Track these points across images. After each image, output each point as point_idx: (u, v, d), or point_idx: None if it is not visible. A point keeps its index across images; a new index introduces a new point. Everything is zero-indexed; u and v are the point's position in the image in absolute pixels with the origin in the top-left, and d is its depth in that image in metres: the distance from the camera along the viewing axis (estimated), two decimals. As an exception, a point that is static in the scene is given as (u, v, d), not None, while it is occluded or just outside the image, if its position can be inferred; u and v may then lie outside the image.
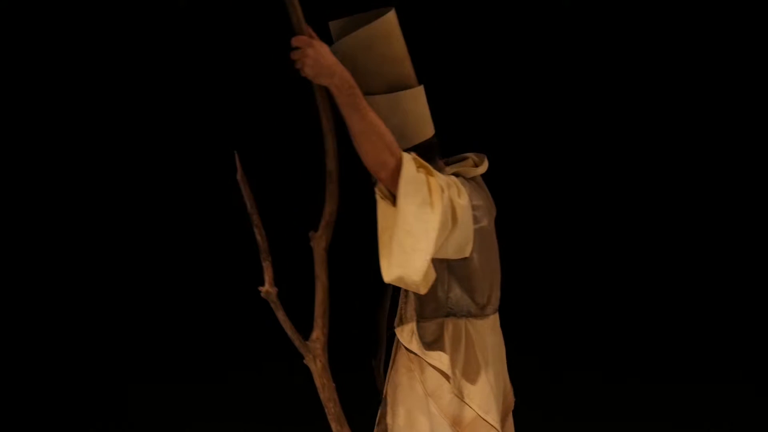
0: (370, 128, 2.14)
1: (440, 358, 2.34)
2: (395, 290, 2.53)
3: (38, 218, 6.20)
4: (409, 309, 2.45)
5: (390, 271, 2.14)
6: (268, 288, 2.23)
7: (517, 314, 3.49)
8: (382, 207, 2.22)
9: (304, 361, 2.28)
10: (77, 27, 5.86)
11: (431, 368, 2.35)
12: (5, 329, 5.81)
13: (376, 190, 2.25)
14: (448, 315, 2.37)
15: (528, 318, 5.81)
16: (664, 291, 6.45)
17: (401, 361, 2.45)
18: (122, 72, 6.03)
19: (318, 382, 2.26)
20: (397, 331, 2.47)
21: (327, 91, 2.19)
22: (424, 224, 2.13)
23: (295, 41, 2.14)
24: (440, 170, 2.37)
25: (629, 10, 6.11)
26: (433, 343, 2.36)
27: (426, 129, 2.40)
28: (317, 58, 2.12)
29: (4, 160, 6.02)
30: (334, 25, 2.43)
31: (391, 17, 2.30)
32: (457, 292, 2.37)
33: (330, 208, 2.23)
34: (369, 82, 2.30)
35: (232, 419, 4.93)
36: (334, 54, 2.29)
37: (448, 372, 2.32)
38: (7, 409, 5.01)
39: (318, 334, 2.26)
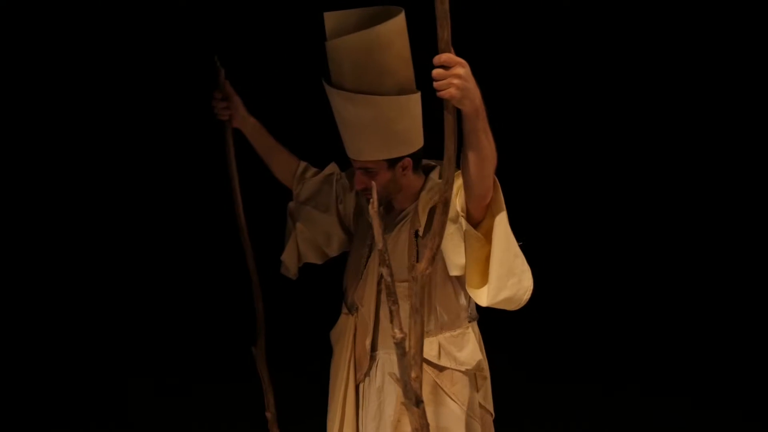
0: (493, 153, 2.13)
1: (480, 365, 2.47)
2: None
3: (44, 222, 6.19)
4: (426, 324, 2.42)
5: (497, 295, 2.19)
6: (398, 334, 1.99)
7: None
8: (472, 236, 2.20)
9: (402, 403, 2.11)
10: (77, 27, 5.72)
11: (463, 379, 2.44)
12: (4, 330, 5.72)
13: (464, 221, 2.21)
14: (470, 321, 2.50)
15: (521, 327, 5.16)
16: (660, 300, 6.21)
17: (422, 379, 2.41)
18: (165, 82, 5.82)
19: (416, 423, 2.11)
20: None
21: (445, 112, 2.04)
22: (516, 243, 2.23)
23: (445, 59, 1.95)
24: (428, 178, 2.49)
25: (629, 10, 5.67)
26: (467, 352, 2.44)
27: (422, 135, 2.42)
28: (467, 80, 1.98)
29: (4, 160, 5.95)
30: (329, 17, 2.30)
31: (403, 15, 2.25)
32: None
33: (439, 241, 2.09)
34: (383, 82, 2.24)
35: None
36: (345, 47, 2.21)
37: (488, 375, 2.44)
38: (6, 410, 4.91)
39: (417, 372, 2.11)
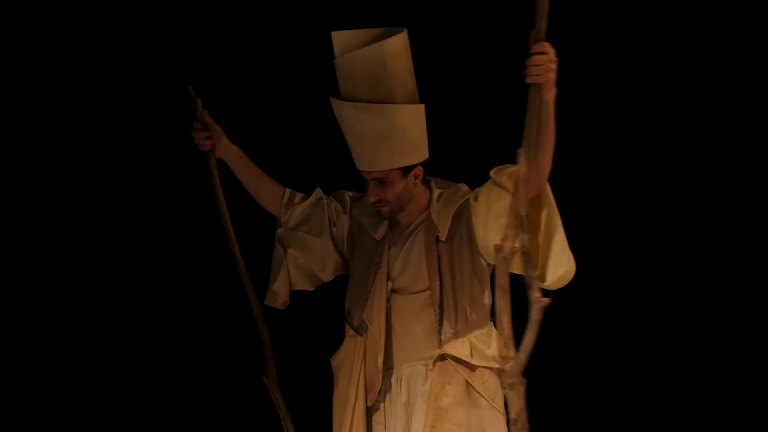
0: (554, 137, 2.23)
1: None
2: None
3: (55, 222, 6.00)
4: (452, 325, 2.48)
5: (555, 272, 2.32)
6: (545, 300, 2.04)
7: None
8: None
9: (508, 383, 2.10)
10: (77, 27, 5.50)
11: (492, 376, 2.50)
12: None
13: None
14: (491, 318, 2.56)
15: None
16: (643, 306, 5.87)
17: (454, 380, 2.45)
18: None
19: (520, 404, 2.10)
20: (449, 349, 2.46)
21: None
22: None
23: (547, 47, 2.09)
24: (431, 189, 2.61)
25: (629, 11, 5.34)
26: (494, 349, 2.48)
27: (427, 147, 2.56)
28: (557, 66, 2.12)
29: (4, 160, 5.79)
30: (337, 36, 2.44)
31: (406, 32, 2.44)
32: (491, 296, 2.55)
33: (522, 218, 2.13)
34: (395, 90, 2.41)
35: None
36: (359, 60, 2.36)
37: None
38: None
39: (513, 352, 2.11)
